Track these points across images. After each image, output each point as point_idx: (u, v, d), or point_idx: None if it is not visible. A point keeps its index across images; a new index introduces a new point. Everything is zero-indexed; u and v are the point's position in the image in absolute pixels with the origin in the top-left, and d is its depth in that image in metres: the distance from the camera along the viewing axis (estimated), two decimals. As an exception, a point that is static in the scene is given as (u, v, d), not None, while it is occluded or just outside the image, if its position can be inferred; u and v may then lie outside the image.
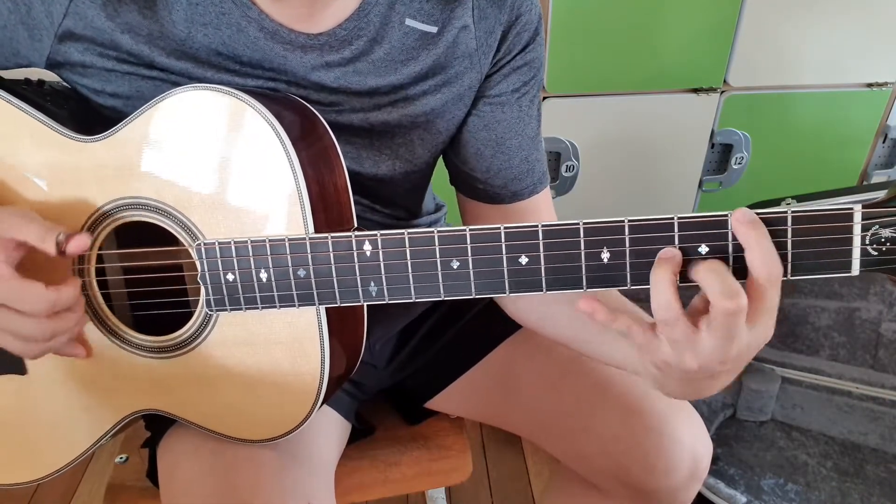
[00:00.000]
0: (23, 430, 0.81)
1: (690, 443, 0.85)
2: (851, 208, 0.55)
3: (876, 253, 0.56)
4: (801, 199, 1.43)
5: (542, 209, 0.91)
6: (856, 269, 0.57)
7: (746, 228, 0.56)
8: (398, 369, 1.03)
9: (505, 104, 0.85)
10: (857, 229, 0.56)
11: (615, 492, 0.91)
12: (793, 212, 0.56)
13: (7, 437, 0.82)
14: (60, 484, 1.69)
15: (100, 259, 0.74)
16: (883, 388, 1.55)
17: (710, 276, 0.55)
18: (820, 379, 1.60)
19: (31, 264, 0.66)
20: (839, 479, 1.52)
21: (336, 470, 0.91)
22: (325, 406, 0.90)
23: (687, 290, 0.58)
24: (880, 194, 1.38)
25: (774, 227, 0.56)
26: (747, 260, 0.56)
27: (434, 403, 1.04)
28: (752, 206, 1.47)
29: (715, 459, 1.54)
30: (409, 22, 0.77)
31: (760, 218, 0.56)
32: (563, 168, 1.83)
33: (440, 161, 0.93)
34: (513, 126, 0.86)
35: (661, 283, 0.57)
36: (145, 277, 0.76)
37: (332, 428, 0.93)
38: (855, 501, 1.47)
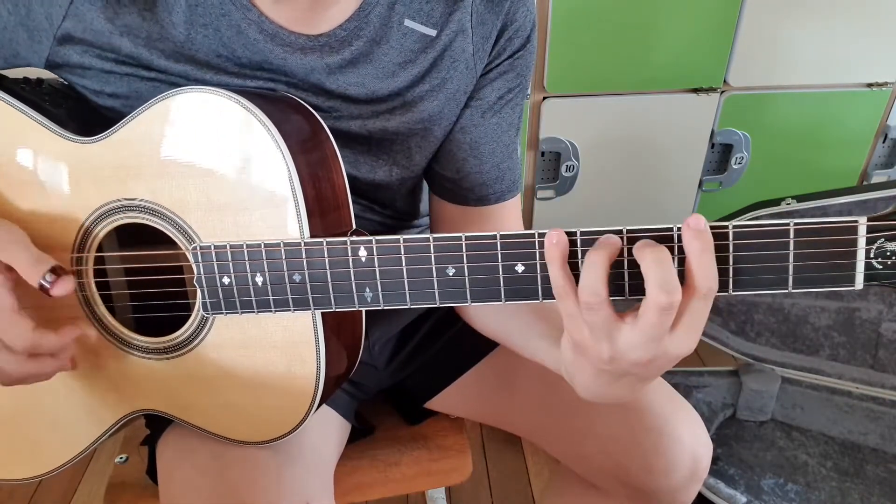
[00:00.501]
0: (22, 427, 0.81)
1: (690, 443, 0.85)
2: (856, 221, 0.54)
3: (881, 267, 0.55)
4: (801, 199, 1.43)
5: (506, 216, 0.90)
6: (860, 282, 0.56)
7: (692, 237, 0.54)
8: (398, 369, 1.03)
9: (486, 110, 0.84)
10: (861, 242, 0.55)
11: (615, 492, 0.91)
12: (795, 224, 0.55)
13: (7, 433, 0.82)
14: (61, 484, 1.70)
15: (98, 260, 0.74)
16: (883, 388, 1.55)
17: (653, 266, 0.53)
18: (820, 379, 1.60)
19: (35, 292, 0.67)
20: (839, 479, 1.52)
21: (336, 470, 0.91)
22: (324, 406, 0.90)
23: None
24: (880, 194, 1.39)
25: (777, 238, 0.55)
26: (688, 268, 0.54)
27: (434, 403, 1.04)
28: (752, 207, 1.46)
29: (715, 459, 1.54)
30: (408, 23, 0.77)
31: (764, 229, 0.56)
32: (563, 168, 1.83)
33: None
34: (490, 133, 0.85)
35: (594, 265, 0.54)
36: (143, 279, 0.76)
37: (331, 428, 0.93)
38: (855, 501, 1.47)
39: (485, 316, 0.87)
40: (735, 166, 1.93)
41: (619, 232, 0.57)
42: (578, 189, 1.88)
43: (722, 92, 1.81)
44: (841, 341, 1.56)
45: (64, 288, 0.66)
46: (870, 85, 1.89)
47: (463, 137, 0.85)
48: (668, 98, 1.81)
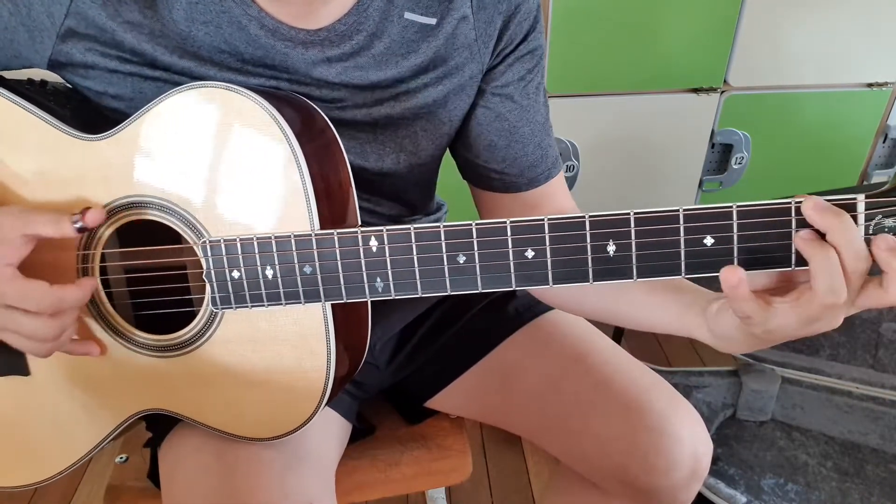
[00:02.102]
0: (25, 431, 0.81)
1: (691, 442, 0.85)
2: (854, 198, 0.55)
3: None
4: (801, 198, 1.44)
5: (558, 193, 0.92)
6: None
7: (825, 217, 0.55)
8: (398, 369, 1.03)
9: (513, 94, 0.85)
10: (860, 219, 0.55)
11: (615, 491, 0.91)
12: (797, 202, 0.56)
13: (9, 438, 0.81)
14: (61, 484, 1.69)
15: (104, 258, 0.74)
16: (883, 388, 1.56)
17: (823, 272, 0.55)
18: (820, 379, 1.60)
19: (36, 266, 0.67)
20: (839, 479, 1.52)
21: (336, 470, 0.91)
22: (325, 407, 0.90)
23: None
24: (880, 194, 1.39)
25: (780, 217, 0.56)
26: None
27: (434, 403, 1.04)
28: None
29: (715, 459, 1.54)
30: (408, 15, 0.77)
31: (768, 208, 0.56)
32: (563, 168, 1.83)
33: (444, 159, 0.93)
34: (523, 114, 0.86)
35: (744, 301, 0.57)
36: (150, 276, 0.76)
37: (332, 428, 0.93)
38: (855, 501, 1.47)
39: (582, 297, 0.86)
40: (735, 166, 1.93)
41: (626, 215, 0.59)
42: (578, 189, 1.88)
43: (722, 92, 1.82)
44: (841, 341, 1.56)
45: (96, 216, 0.67)
46: (870, 85, 1.89)
47: (500, 126, 0.86)
48: (668, 98, 1.81)
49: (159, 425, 0.86)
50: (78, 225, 0.66)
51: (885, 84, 1.89)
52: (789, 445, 1.60)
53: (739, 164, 1.93)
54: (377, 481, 1.01)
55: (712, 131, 1.87)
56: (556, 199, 0.91)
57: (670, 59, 1.75)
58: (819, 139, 1.94)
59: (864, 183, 2.04)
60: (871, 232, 0.56)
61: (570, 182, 1.86)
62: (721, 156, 1.95)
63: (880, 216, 0.55)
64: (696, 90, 1.81)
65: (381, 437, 1.06)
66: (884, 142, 2.00)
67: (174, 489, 0.78)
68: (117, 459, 1.04)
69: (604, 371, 0.89)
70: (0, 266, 0.64)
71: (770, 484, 1.50)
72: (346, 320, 0.73)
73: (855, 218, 0.55)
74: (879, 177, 2.06)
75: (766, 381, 1.61)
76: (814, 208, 0.55)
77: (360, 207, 0.75)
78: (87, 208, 0.67)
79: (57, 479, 0.82)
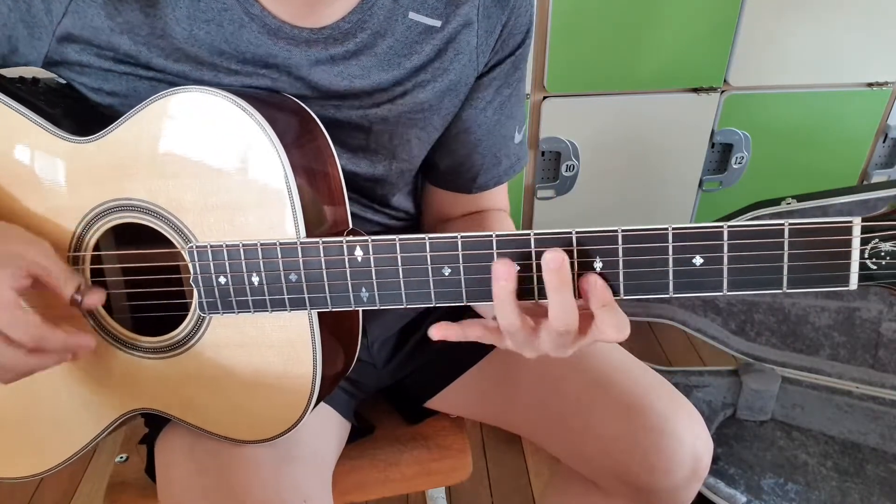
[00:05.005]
0: (24, 424, 0.82)
1: (691, 441, 0.84)
2: (850, 221, 0.55)
3: (875, 267, 0.55)
4: (801, 198, 1.43)
5: (497, 196, 0.96)
6: (854, 283, 0.56)
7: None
8: (398, 369, 1.03)
9: (487, 108, 0.86)
10: (856, 243, 0.55)
11: (616, 491, 0.91)
12: (790, 224, 0.55)
13: (8, 431, 0.82)
14: (61, 483, 1.70)
15: (95, 260, 0.74)
16: (883, 388, 1.55)
17: (555, 299, 0.58)
18: (820, 378, 1.60)
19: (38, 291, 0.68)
20: (839, 478, 1.52)
21: (336, 469, 0.91)
22: (323, 405, 0.90)
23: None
24: (880, 194, 1.38)
25: (772, 238, 0.56)
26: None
27: (434, 403, 1.04)
28: (752, 206, 1.46)
29: (715, 459, 1.54)
30: (412, 15, 0.77)
31: (759, 229, 0.56)
32: (563, 168, 1.83)
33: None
34: (491, 129, 0.87)
35: (503, 302, 0.60)
36: (140, 279, 0.76)
37: (331, 427, 0.93)
38: (855, 501, 1.47)
39: None
40: (735, 166, 1.93)
41: (614, 232, 0.57)
42: (578, 189, 1.88)
43: (722, 92, 1.81)
44: (841, 341, 1.56)
45: (96, 299, 0.70)
46: (870, 85, 1.88)
47: (466, 138, 0.87)
48: (668, 98, 1.81)
49: (156, 421, 0.86)
50: (78, 298, 0.69)
51: (885, 84, 1.88)
52: (789, 445, 1.60)
53: (739, 163, 1.93)
54: (377, 481, 1.00)
55: (712, 131, 1.87)
56: (493, 200, 0.96)
57: (670, 59, 1.75)
58: (819, 139, 1.94)
59: (864, 183, 2.04)
60: (866, 256, 0.55)
61: (570, 182, 1.87)
62: (721, 155, 1.94)
63: (877, 240, 0.55)
64: (696, 90, 1.80)
65: (381, 436, 1.05)
66: (884, 141, 2.00)
67: (170, 487, 0.79)
68: (117, 459, 1.04)
69: (604, 370, 0.89)
70: (3, 288, 0.64)
71: (770, 483, 1.50)
72: (336, 323, 0.73)
73: (849, 241, 0.55)
74: (879, 176, 2.06)
75: (766, 381, 1.61)
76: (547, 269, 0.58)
77: (352, 214, 0.75)
78: (91, 288, 0.70)
79: (56, 470, 0.83)
